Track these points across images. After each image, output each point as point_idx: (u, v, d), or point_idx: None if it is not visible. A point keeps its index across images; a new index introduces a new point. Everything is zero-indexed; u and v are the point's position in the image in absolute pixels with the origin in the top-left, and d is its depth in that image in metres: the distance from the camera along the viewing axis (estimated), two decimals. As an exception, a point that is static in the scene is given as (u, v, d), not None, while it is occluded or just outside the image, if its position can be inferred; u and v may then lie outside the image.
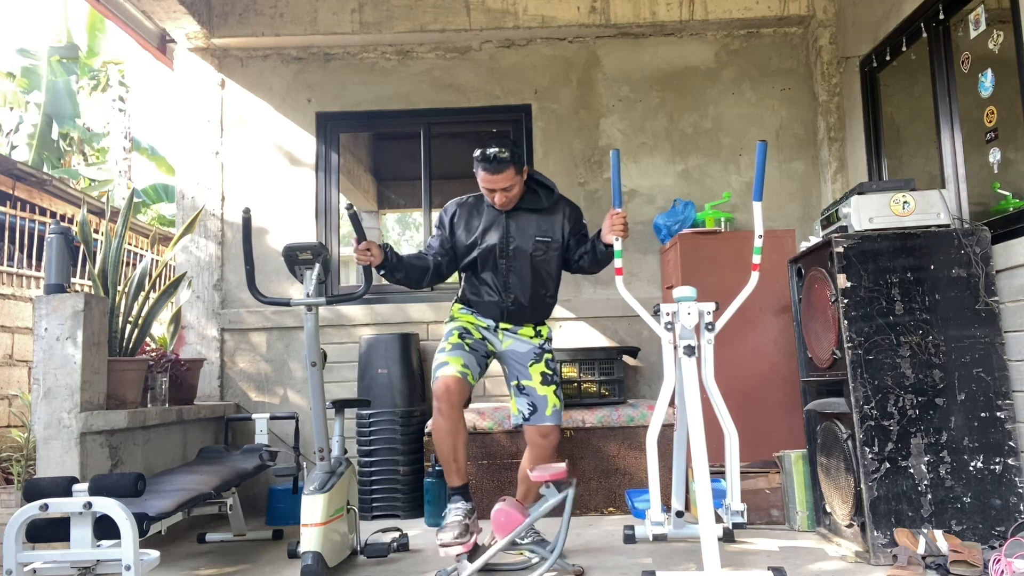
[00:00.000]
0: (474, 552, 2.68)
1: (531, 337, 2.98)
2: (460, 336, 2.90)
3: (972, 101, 3.20)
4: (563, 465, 2.63)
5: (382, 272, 2.89)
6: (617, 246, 2.90)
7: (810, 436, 3.28)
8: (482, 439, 3.76)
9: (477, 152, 2.81)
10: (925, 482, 2.72)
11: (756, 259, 2.86)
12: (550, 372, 2.94)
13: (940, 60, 3.41)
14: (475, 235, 2.95)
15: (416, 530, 3.52)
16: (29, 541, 2.28)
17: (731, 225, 4.26)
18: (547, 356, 2.97)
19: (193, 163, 4.66)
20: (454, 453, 2.80)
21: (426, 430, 3.84)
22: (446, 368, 2.78)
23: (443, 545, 2.64)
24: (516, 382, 2.95)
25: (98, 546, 2.28)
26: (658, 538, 2.83)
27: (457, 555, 2.65)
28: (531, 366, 2.93)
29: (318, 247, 2.66)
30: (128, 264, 6.36)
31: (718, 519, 2.77)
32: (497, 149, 2.76)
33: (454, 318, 3.02)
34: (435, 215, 4.92)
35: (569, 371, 3.93)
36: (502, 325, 2.99)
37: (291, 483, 3.65)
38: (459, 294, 3.07)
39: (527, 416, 2.90)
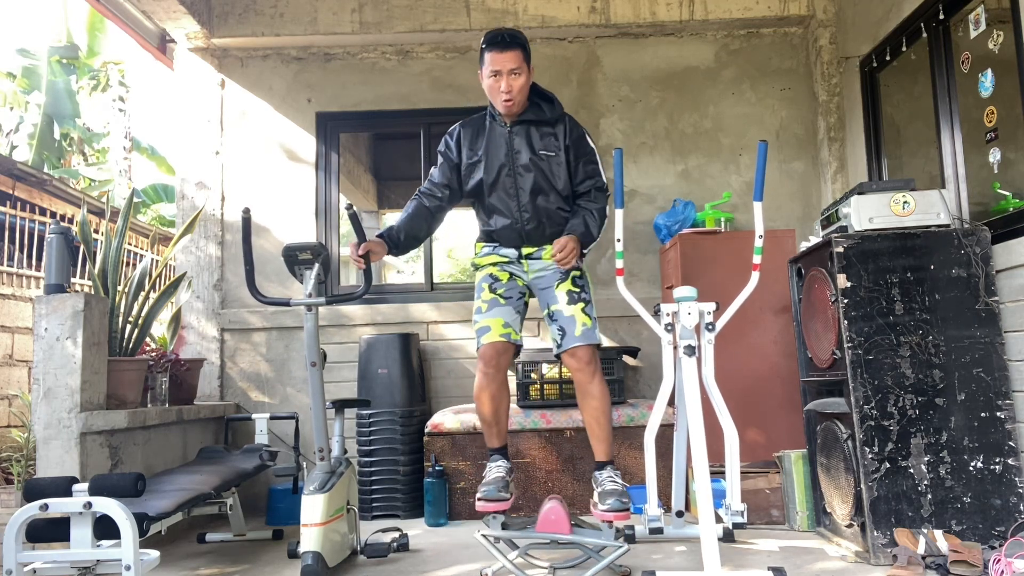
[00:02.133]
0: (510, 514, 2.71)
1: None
2: (491, 288, 2.82)
3: (972, 101, 3.20)
4: (629, 505, 2.57)
5: (394, 254, 2.82)
6: (618, 247, 2.90)
7: (810, 436, 3.28)
8: (483, 438, 3.74)
9: (483, 38, 2.74)
10: (925, 482, 2.72)
11: (757, 259, 2.86)
12: (577, 289, 2.77)
13: (940, 60, 3.41)
14: (479, 153, 2.83)
15: (416, 530, 3.52)
16: (29, 541, 2.28)
17: (731, 225, 4.27)
18: (574, 273, 2.80)
19: (193, 163, 4.66)
20: (496, 416, 2.78)
21: (426, 430, 3.84)
22: (488, 334, 2.72)
23: (485, 499, 2.62)
24: (547, 310, 2.81)
25: (98, 546, 2.27)
26: (654, 532, 2.83)
27: (495, 512, 2.66)
28: (557, 287, 2.78)
29: (318, 247, 2.66)
30: (128, 264, 6.36)
31: (718, 519, 2.77)
32: (507, 30, 2.75)
33: (479, 266, 2.92)
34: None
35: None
36: (524, 250, 2.86)
37: (291, 483, 3.64)
38: (481, 230, 2.96)
39: (560, 343, 2.74)
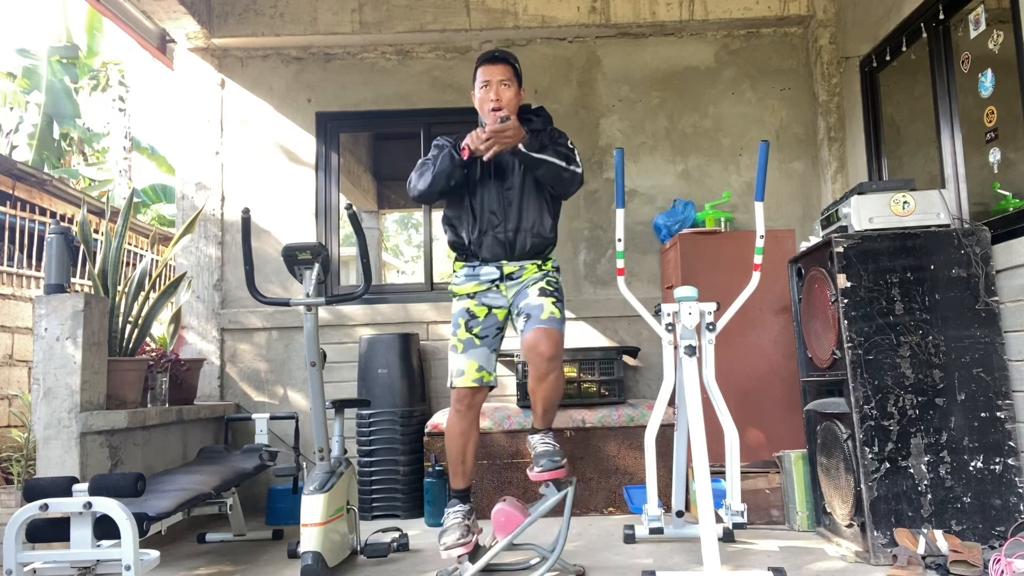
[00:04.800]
0: (475, 552, 2.68)
1: (534, 273, 2.79)
2: (467, 326, 2.76)
3: (972, 101, 3.20)
4: (563, 463, 2.60)
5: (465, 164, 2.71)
6: (619, 247, 2.89)
7: (810, 436, 3.28)
8: (482, 439, 3.75)
9: (477, 59, 2.81)
10: (925, 482, 2.72)
11: (757, 259, 2.86)
12: (550, 287, 2.74)
13: (940, 60, 3.41)
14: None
15: (416, 530, 3.52)
16: (29, 541, 2.28)
17: (731, 225, 4.27)
18: (549, 278, 2.78)
19: (193, 163, 4.67)
20: (463, 455, 2.76)
21: (426, 430, 3.84)
22: (463, 378, 2.70)
23: (446, 548, 2.62)
24: (516, 309, 2.76)
25: (98, 546, 2.27)
26: (654, 532, 2.83)
27: (459, 556, 2.64)
28: (530, 287, 2.75)
29: (317, 247, 2.66)
30: (128, 264, 6.36)
31: (718, 519, 2.77)
32: (498, 50, 2.82)
33: (457, 296, 2.84)
34: (435, 215, 4.94)
35: (569, 371, 3.93)
36: (506, 269, 2.77)
37: (291, 483, 3.65)
38: (455, 243, 2.86)
39: (523, 328, 2.68)
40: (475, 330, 2.76)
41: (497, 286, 2.80)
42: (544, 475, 2.59)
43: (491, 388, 2.80)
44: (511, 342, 3.08)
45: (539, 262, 2.81)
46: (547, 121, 2.90)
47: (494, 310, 2.80)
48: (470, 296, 2.81)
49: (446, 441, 2.79)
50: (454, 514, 2.73)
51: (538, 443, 2.72)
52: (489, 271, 2.79)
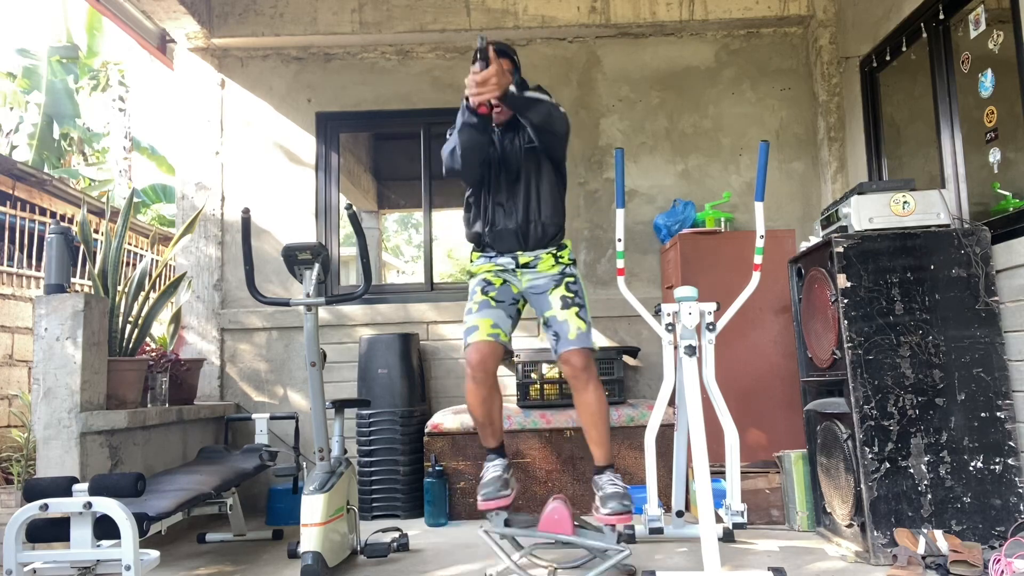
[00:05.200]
0: (512, 511, 2.72)
1: (551, 266, 2.81)
2: (484, 291, 2.79)
3: (972, 101, 3.20)
4: (631, 507, 2.57)
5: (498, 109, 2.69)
6: (619, 247, 2.89)
7: (810, 436, 3.28)
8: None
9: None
10: (925, 482, 2.72)
11: (758, 259, 2.86)
12: (571, 294, 2.75)
13: (940, 60, 3.41)
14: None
15: (416, 530, 3.52)
16: (29, 541, 2.28)
17: (731, 225, 4.27)
18: (567, 280, 2.79)
19: (193, 163, 4.67)
20: (490, 418, 2.76)
21: (426, 430, 3.84)
22: (475, 333, 2.68)
23: (485, 499, 2.62)
24: (542, 318, 2.80)
25: (98, 546, 2.27)
26: (654, 532, 2.83)
27: (496, 509, 2.67)
28: (551, 293, 2.77)
29: (317, 247, 2.66)
30: (128, 264, 6.36)
31: (718, 519, 2.77)
32: (496, 42, 2.74)
33: (473, 274, 2.91)
34: (435, 215, 4.95)
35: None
36: (521, 259, 2.81)
37: (291, 483, 3.65)
38: (471, 234, 2.90)
39: (555, 348, 2.72)
40: (491, 294, 2.80)
41: (514, 272, 2.85)
42: (612, 519, 2.56)
43: (509, 354, 2.78)
44: (516, 341, 3.09)
45: (553, 250, 2.83)
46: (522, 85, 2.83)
47: (510, 284, 2.85)
48: (487, 271, 2.86)
49: (469, 409, 2.78)
50: (493, 467, 2.75)
51: (607, 484, 2.67)
52: (505, 261, 2.84)
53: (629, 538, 3.11)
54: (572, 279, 2.81)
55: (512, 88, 2.56)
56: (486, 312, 2.75)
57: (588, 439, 2.76)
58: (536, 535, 2.67)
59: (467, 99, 2.63)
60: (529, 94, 2.64)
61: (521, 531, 2.70)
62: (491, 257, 2.87)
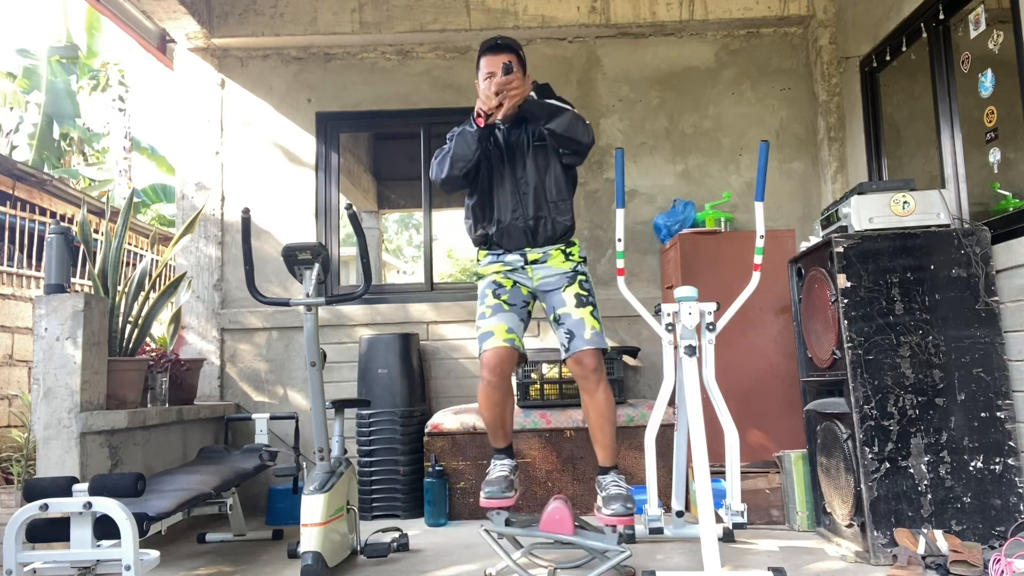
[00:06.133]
0: (514, 511, 2.71)
1: (562, 263, 2.79)
2: (495, 294, 2.77)
3: (972, 101, 3.20)
4: (634, 510, 2.57)
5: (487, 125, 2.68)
6: (619, 247, 2.89)
7: (810, 436, 3.28)
8: (482, 439, 3.75)
9: (480, 48, 2.78)
10: (925, 482, 2.72)
11: (758, 259, 2.86)
12: (585, 292, 2.75)
13: (940, 60, 3.41)
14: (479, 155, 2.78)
15: (416, 530, 3.52)
16: (29, 541, 2.28)
17: (731, 225, 4.27)
18: (580, 278, 2.79)
19: (193, 163, 4.67)
20: (502, 421, 2.76)
21: (426, 430, 3.84)
22: (491, 339, 2.67)
23: (488, 497, 2.62)
24: (553, 315, 2.77)
25: (98, 546, 2.27)
26: (654, 532, 2.83)
27: (498, 508, 2.66)
28: (564, 290, 2.75)
29: (317, 247, 2.66)
30: (128, 264, 6.36)
31: (718, 519, 2.77)
32: (500, 37, 2.77)
33: (481, 276, 2.88)
34: (435, 215, 4.94)
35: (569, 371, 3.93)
36: (530, 256, 2.79)
37: (291, 483, 3.64)
38: (477, 236, 2.88)
39: (567, 346, 2.70)
40: (503, 297, 2.78)
41: (523, 269, 2.83)
42: (615, 520, 2.55)
43: (523, 359, 2.78)
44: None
45: (563, 247, 2.82)
46: (545, 90, 2.89)
47: (519, 284, 2.83)
48: (496, 272, 2.84)
49: (481, 411, 2.77)
50: (501, 466, 2.74)
51: (610, 484, 2.67)
52: (513, 259, 2.82)
53: (629, 538, 3.11)
54: (584, 277, 2.82)
55: (532, 94, 2.58)
56: (500, 316, 2.73)
57: (594, 440, 2.76)
58: (537, 535, 2.67)
59: (475, 114, 2.67)
60: (551, 102, 2.67)
61: (522, 530, 2.70)
62: (499, 255, 2.84)
